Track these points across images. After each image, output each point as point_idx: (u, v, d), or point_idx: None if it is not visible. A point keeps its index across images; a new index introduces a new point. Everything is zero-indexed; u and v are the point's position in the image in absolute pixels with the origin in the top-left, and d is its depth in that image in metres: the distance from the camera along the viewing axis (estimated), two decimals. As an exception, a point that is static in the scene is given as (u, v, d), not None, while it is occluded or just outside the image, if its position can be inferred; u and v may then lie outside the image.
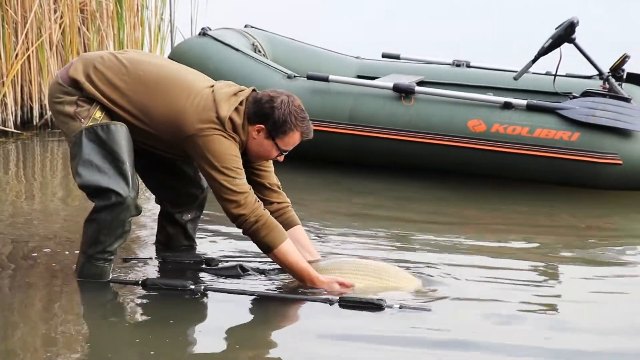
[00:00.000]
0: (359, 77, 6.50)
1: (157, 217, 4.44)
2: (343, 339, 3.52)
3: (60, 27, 6.98)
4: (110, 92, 3.92)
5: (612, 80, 5.82)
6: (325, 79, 5.93)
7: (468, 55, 6.99)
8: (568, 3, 11.36)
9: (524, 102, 5.64)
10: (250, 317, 3.79)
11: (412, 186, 5.72)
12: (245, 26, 6.75)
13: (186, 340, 3.58)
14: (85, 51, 7.06)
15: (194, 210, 4.37)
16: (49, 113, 6.84)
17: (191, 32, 7.59)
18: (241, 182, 3.85)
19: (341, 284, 3.92)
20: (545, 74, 6.37)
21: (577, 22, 5.82)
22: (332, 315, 3.68)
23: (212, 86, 3.94)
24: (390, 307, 3.72)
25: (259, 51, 6.51)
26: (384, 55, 6.93)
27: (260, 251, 3.96)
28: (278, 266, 4.02)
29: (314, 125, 4.04)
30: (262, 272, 4.10)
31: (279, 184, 4.10)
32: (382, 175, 5.85)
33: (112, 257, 3.98)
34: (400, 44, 8.11)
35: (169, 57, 6.21)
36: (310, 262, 3.98)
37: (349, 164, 5.94)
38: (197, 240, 4.43)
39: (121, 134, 3.90)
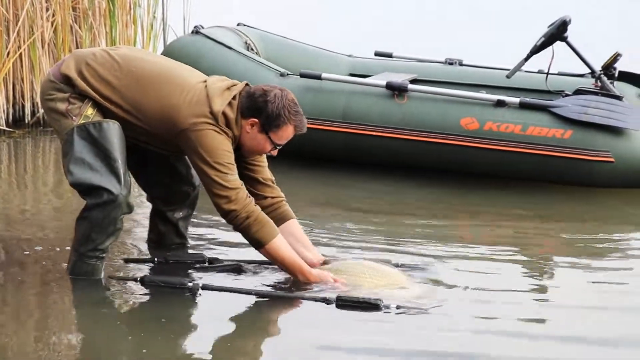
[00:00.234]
0: (352, 75, 6.50)
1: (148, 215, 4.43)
2: (339, 339, 3.51)
3: (52, 25, 6.97)
4: (103, 89, 3.91)
5: (604, 78, 5.84)
6: (318, 77, 5.92)
7: (461, 53, 7.00)
8: (560, 1, 11.36)
9: (516, 100, 5.65)
10: (246, 316, 3.77)
11: (405, 184, 5.72)
12: (238, 24, 6.75)
13: (179, 338, 3.57)
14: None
15: (185, 208, 4.36)
16: (41, 111, 6.83)
17: (184, 30, 7.58)
18: (233, 178, 3.84)
19: (335, 281, 3.91)
20: (537, 72, 6.39)
21: (569, 20, 5.83)
22: (329, 315, 3.67)
23: (205, 81, 3.94)
24: (388, 307, 3.71)
25: (252, 49, 6.51)
26: (377, 54, 6.94)
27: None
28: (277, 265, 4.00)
29: (307, 124, 4.03)
30: (260, 270, 4.10)
31: (273, 178, 4.10)
32: (375, 173, 5.85)
33: (104, 254, 3.97)
34: (393, 42, 8.12)
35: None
36: (319, 267, 3.96)
37: (342, 162, 5.94)
38: (191, 240, 4.43)
39: (113, 132, 3.89)
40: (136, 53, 4.10)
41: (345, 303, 3.73)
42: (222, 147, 3.84)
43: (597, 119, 5.49)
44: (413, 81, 6.22)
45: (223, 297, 3.83)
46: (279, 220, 4.00)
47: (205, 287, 3.86)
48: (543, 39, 5.85)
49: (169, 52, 6.25)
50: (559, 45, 5.87)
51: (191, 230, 4.49)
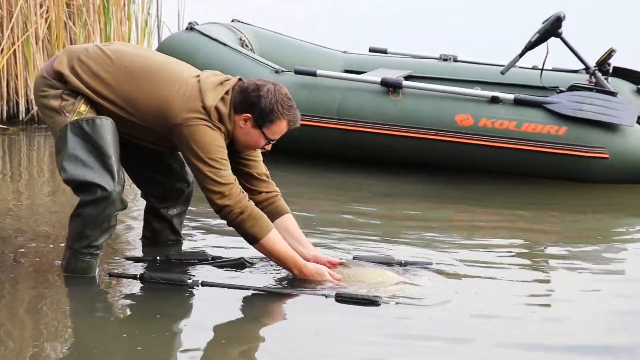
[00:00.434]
0: (346, 71, 6.51)
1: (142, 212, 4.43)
2: (337, 335, 3.51)
3: (46, 21, 6.96)
4: (95, 84, 3.90)
5: (599, 74, 5.85)
6: (313, 74, 5.92)
7: (455, 49, 7.00)
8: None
9: (511, 96, 5.65)
10: (243, 311, 3.76)
11: (400, 180, 5.72)
12: (233, 21, 6.74)
13: (174, 335, 3.56)
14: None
15: (179, 205, 4.35)
16: (35, 108, 6.82)
17: (178, 27, 7.58)
18: (226, 174, 3.84)
19: (330, 275, 3.91)
20: (532, 68, 6.40)
21: (564, 16, 5.84)
22: (327, 311, 3.67)
23: (198, 76, 3.93)
24: (387, 303, 3.71)
25: (247, 46, 6.50)
26: (371, 50, 6.94)
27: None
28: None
29: (302, 120, 4.02)
30: (261, 266, 4.09)
31: (268, 173, 4.09)
32: (370, 170, 5.85)
33: (98, 251, 3.96)
34: (388, 38, 8.11)
35: (156, 52, 6.19)
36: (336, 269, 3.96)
37: (336, 159, 5.94)
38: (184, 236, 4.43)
39: (107, 128, 3.88)
40: (129, 48, 4.09)
41: (344, 299, 3.72)
42: (215, 142, 3.83)
43: (591, 115, 5.49)
44: (408, 77, 6.23)
45: (221, 293, 3.82)
46: (274, 215, 3.99)
47: (205, 284, 3.86)
48: (537, 35, 5.85)
49: (163, 48, 6.24)
50: (553, 41, 5.87)
51: (188, 227, 4.49)
